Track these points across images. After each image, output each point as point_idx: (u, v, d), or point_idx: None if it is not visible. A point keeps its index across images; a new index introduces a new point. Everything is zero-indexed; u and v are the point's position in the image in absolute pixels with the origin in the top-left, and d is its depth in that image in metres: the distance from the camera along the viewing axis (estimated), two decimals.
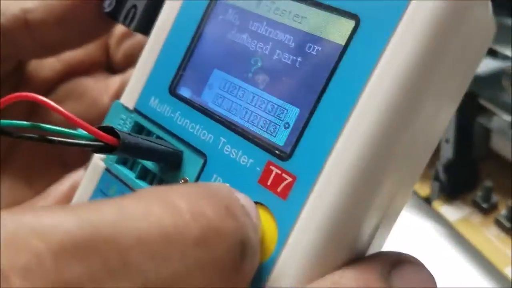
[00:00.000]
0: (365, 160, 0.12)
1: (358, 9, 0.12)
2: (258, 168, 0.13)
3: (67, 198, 0.18)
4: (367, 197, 0.12)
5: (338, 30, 0.13)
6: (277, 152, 0.13)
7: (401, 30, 0.12)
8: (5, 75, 0.20)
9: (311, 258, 0.12)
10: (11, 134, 0.13)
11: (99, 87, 0.22)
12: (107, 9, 0.18)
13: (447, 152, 0.24)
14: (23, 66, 0.21)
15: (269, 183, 0.13)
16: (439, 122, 0.13)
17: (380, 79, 0.12)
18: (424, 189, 0.26)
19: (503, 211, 0.24)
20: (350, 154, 0.12)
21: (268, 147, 0.13)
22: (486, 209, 0.25)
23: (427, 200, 0.26)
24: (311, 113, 0.13)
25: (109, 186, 0.16)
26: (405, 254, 0.12)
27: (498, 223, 0.24)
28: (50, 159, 0.22)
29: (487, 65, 0.24)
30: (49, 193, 0.18)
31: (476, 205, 0.25)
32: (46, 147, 0.22)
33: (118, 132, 0.13)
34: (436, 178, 0.25)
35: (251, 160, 0.13)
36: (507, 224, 0.24)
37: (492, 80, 0.23)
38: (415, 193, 0.26)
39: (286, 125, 0.13)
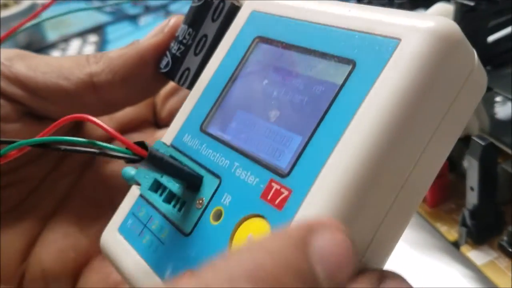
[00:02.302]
0: (353, 174, 0.13)
1: (355, 54, 0.15)
2: (262, 186, 0.15)
3: None
4: (354, 209, 0.13)
5: (338, 73, 0.15)
6: (278, 171, 0.15)
7: (389, 68, 0.14)
8: (63, 133, 0.23)
9: None
10: (61, 148, 0.15)
11: (147, 141, 0.25)
12: (164, 70, 0.21)
13: (473, 199, 0.25)
14: (79, 124, 0.24)
15: (269, 197, 0.14)
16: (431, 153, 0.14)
17: (366, 111, 0.14)
18: (452, 234, 0.27)
19: None
20: (338, 171, 0.13)
21: (272, 168, 0.15)
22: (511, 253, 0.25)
23: (456, 245, 0.27)
24: (309, 139, 0.14)
25: (140, 210, 0.19)
26: (388, 271, 0.13)
27: None
28: (102, 204, 0.24)
29: (508, 109, 0.25)
30: None
31: (502, 249, 0.25)
32: (99, 195, 0.24)
33: (148, 146, 0.15)
34: (463, 224, 0.26)
35: (257, 179, 0.15)
36: None
37: None
38: (444, 238, 0.27)
39: (290, 150, 0.15)
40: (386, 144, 0.13)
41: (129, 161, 0.15)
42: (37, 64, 0.22)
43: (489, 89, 0.24)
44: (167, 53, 0.21)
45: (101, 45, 0.58)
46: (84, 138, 0.24)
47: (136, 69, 0.21)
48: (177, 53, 0.21)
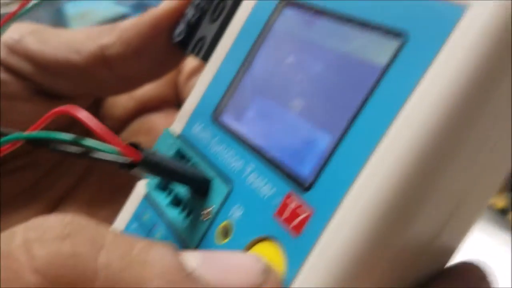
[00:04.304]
0: (391, 195, 0.09)
1: (405, 25, 0.11)
2: (277, 200, 0.11)
3: None
4: (395, 232, 0.09)
5: (381, 50, 0.11)
6: (299, 182, 0.11)
7: (449, 48, 0.10)
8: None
9: None
10: (48, 146, 0.13)
11: (169, 122, 0.22)
12: (177, 39, 0.18)
13: None
14: (98, 104, 0.22)
15: (285, 216, 0.11)
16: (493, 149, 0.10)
17: (417, 106, 0.10)
18: (500, 201, 0.26)
19: None
20: (374, 188, 0.10)
21: (291, 177, 0.12)
22: None
23: (503, 212, 0.26)
24: (339, 140, 0.11)
25: (144, 213, 0.16)
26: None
27: None
28: (116, 188, 0.22)
29: None
30: None
31: None
32: (114, 178, 0.22)
33: (141, 149, 0.12)
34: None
35: (272, 190, 0.12)
36: None
37: None
38: (490, 205, 0.26)
39: (315, 154, 0.11)
40: (442, 154, 0.09)
41: (121, 166, 0.12)
42: (48, 38, 0.20)
43: None
44: (182, 20, 0.18)
45: None
46: (100, 117, 0.22)
47: (150, 39, 0.19)
48: (192, 20, 0.18)
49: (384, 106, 0.10)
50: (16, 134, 0.13)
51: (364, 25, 0.12)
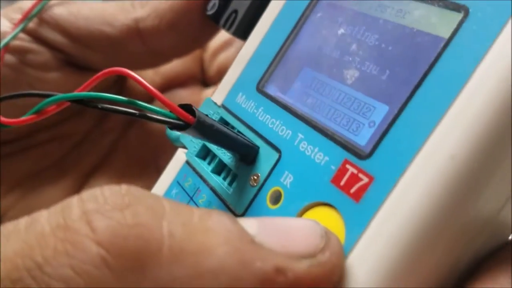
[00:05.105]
0: (461, 164, 0.10)
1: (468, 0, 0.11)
2: (333, 167, 0.12)
3: None
4: (461, 203, 0.10)
5: (443, 23, 0.11)
6: (355, 150, 0.12)
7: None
8: (106, 88, 0.21)
9: (380, 270, 0.10)
10: (98, 106, 0.13)
11: (194, 99, 0.23)
12: (210, 12, 0.18)
13: None
14: (124, 79, 0.22)
15: (342, 183, 0.11)
16: None
17: (483, 77, 0.10)
18: None
19: None
20: (441, 158, 0.10)
21: (346, 145, 0.12)
22: None
23: None
24: (400, 111, 0.11)
25: (186, 179, 0.16)
26: None
27: None
28: (146, 164, 0.22)
29: None
30: None
31: None
32: (143, 152, 0.23)
33: (195, 111, 0.12)
34: None
35: (326, 158, 0.12)
36: None
37: None
38: None
39: (371, 124, 0.12)
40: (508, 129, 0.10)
41: (174, 127, 0.13)
42: (79, 9, 0.20)
43: None
44: None
45: None
46: (125, 95, 0.22)
47: (184, 13, 0.19)
48: None
49: (449, 78, 0.10)
50: (69, 94, 0.13)
51: None
